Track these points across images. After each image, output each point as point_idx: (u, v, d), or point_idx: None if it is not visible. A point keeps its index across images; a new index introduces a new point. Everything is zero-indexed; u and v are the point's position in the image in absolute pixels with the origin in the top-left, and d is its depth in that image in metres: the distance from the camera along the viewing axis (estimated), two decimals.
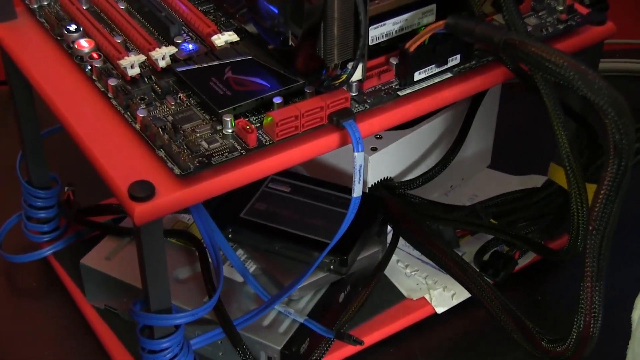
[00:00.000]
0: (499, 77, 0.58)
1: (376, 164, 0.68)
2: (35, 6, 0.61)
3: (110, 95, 0.54)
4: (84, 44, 0.56)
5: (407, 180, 0.69)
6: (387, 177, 0.68)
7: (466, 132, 0.71)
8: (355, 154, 0.51)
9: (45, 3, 0.62)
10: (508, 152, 0.81)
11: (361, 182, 0.51)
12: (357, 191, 0.51)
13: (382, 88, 0.54)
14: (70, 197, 0.72)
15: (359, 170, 0.51)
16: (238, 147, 0.50)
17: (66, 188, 0.72)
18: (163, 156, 0.49)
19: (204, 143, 0.50)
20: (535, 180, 0.74)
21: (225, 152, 0.50)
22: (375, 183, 0.68)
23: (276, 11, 0.53)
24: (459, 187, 0.76)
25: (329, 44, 0.49)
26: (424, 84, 0.55)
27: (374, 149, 0.68)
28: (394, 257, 0.68)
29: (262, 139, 0.51)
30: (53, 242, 0.71)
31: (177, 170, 0.48)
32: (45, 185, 0.69)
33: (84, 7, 0.60)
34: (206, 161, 0.49)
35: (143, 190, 0.47)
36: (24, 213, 0.70)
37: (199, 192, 0.49)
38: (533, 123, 0.85)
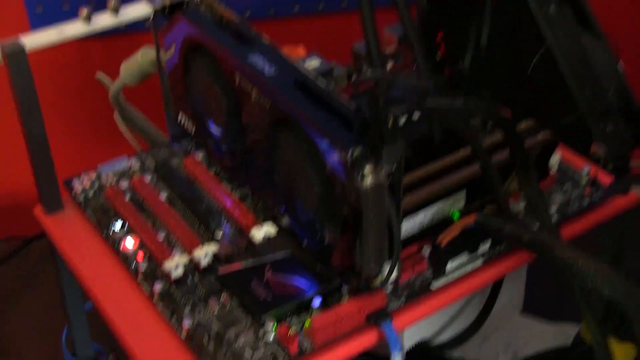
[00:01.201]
0: (529, 256, 0.59)
1: (411, 328, 0.69)
2: (81, 199, 0.64)
3: (155, 300, 0.56)
4: (129, 245, 0.59)
5: (443, 344, 0.70)
6: (422, 339, 0.70)
7: (499, 287, 0.72)
8: (393, 353, 0.53)
9: (91, 195, 0.64)
10: (540, 292, 0.82)
11: None
12: None
13: (416, 281, 0.56)
14: None
15: None
16: (280, 354, 0.52)
17: (110, 356, 0.74)
18: None
19: (248, 351, 0.52)
20: (570, 330, 0.75)
21: None
22: (411, 348, 0.69)
23: (313, 214, 0.55)
24: (492, 337, 0.77)
25: (366, 255, 0.51)
26: (456, 274, 0.57)
27: None
28: None
29: (303, 343, 0.52)
30: None
31: None
32: (90, 359, 0.71)
33: (127, 199, 0.63)
34: None
35: None
36: None
37: None
38: None
